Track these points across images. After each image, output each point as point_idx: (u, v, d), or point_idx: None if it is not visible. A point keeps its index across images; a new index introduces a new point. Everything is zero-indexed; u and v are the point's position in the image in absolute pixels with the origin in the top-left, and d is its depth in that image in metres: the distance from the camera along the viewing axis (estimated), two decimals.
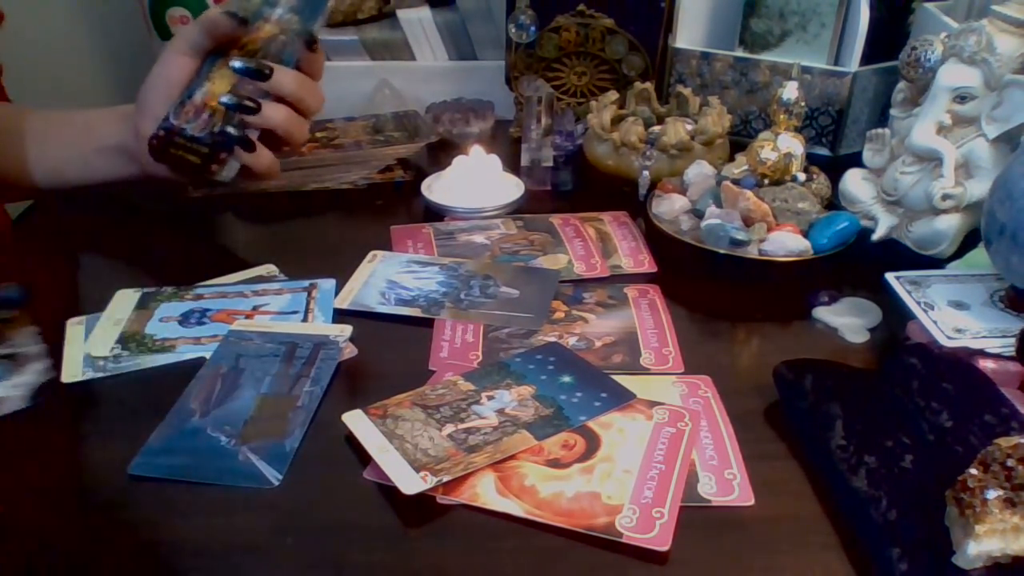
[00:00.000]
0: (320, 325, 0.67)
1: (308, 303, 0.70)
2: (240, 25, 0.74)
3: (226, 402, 0.59)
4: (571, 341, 0.65)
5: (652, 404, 0.58)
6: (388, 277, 0.74)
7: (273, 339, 0.65)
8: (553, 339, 0.65)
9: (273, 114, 0.74)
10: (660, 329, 0.67)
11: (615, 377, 0.60)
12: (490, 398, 0.58)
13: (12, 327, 0.63)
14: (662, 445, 0.54)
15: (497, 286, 0.72)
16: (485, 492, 0.51)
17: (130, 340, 0.66)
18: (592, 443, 0.55)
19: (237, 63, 0.73)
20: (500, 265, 0.76)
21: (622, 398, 0.58)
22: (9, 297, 0.62)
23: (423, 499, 0.50)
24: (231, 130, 0.74)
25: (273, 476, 0.53)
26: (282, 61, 0.74)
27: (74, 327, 0.67)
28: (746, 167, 0.79)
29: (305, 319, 0.68)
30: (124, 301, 0.71)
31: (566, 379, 0.60)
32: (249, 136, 0.74)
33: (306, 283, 0.73)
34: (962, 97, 0.72)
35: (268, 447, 0.55)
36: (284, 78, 0.74)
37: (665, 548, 0.46)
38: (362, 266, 0.76)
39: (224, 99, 0.73)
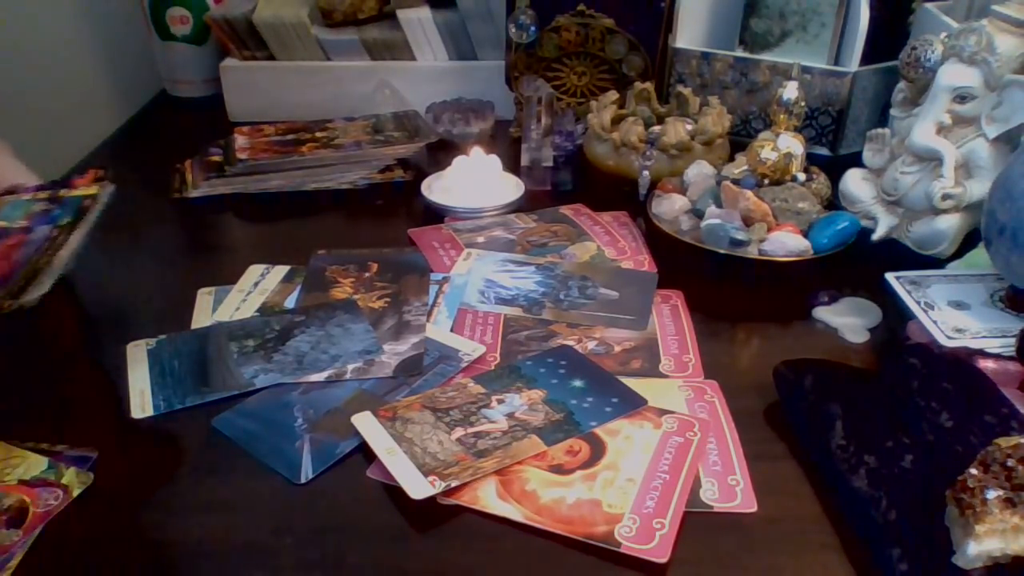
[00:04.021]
0: (458, 339, 0.65)
1: (437, 296, 0.70)
2: None
3: (330, 386, 0.59)
4: (590, 346, 0.65)
5: (662, 412, 0.57)
6: (486, 276, 0.73)
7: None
8: (571, 343, 0.65)
9: None
10: (681, 335, 0.66)
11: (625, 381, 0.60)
12: (500, 402, 0.58)
13: None
14: (668, 455, 0.53)
15: (596, 287, 0.71)
16: (486, 495, 0.51)
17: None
18: (597, 450, 0.54)
19: None
20: (596, 266, 0.75)
21: (633, 404, 0.57)
22: None
23: (423, 500, 0.49)
24: None
25: (305, 473, 0.52)
26: None
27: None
28: (746, 167, 0.79)
29: (430, 312, 0.68)
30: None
31: (577, 383, 0.59)
32: None
33: (440, 276, 0.73)
34: (962, 97, 0.72)
35: (325, 443, 0.54)
36: None
37: (664, 560, 0.46)
38: (459, 263, 0.75)
39: None
